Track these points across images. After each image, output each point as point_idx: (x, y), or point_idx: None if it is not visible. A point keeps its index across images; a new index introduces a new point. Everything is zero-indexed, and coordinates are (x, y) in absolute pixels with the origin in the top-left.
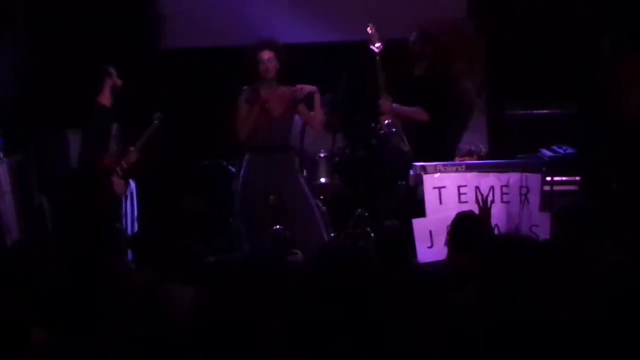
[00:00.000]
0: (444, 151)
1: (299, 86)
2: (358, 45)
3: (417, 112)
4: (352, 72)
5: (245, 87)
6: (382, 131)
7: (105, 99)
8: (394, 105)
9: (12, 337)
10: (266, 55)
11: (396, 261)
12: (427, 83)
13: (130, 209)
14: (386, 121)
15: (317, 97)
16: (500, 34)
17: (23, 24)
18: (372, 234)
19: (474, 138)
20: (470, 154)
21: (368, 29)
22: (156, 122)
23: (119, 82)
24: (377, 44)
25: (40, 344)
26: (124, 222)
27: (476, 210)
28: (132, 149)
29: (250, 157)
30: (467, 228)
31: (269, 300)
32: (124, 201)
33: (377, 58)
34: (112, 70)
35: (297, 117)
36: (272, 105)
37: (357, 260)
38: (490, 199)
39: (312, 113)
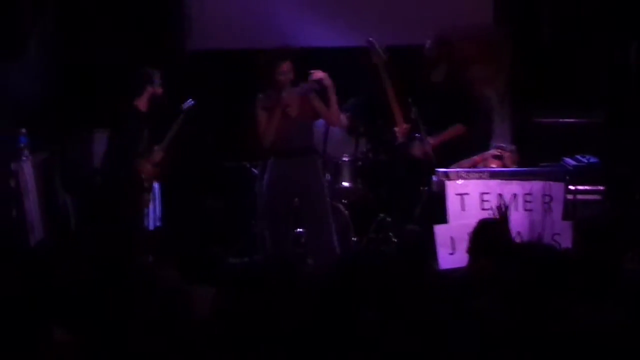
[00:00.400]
0: (468, 157)
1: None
2: (383, 50)
3: (457, 130)
4: (376, 77)
5: (260, 95)
6: (397, 142)
7: (143, 103)
8: (433, 139)
9: (34, 336)
10: (286, 67)
11: (417, 267)
12: (447, 89)
13: (153, 208)
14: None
15: (330, 90)
16: (527, 41)
17: (52, 24)
18: (394, 239)
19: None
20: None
21: (367, 42)
22: (181, 115)
23: (160, 90)
24: (380, 55)
25: (62, 344)
26: (146, 221)
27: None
28: (156, 147)
29: (275, 161)
30: (488, 235)
31: (288, 302)
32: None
33: (383, 70)
34: (156, 79)
35: (319, 121)
36: (292, 107)
37: (378, 265)
38: (512, 205)
39: (328, 108)
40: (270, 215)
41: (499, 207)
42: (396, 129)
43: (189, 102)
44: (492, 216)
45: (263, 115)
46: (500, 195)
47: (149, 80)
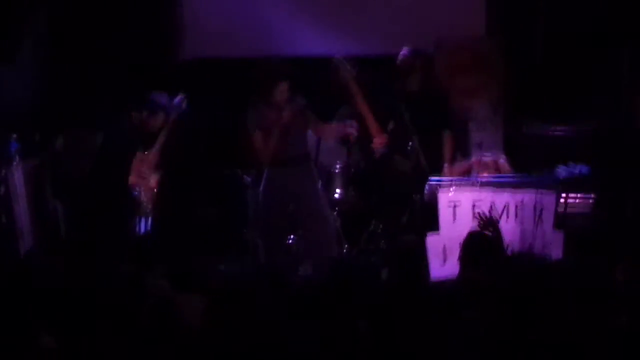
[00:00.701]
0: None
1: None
2: (376, 59)
3: (450, 141)
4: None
5: (251, 110)
6: (378, 155)
7: (138, 117)
8: (448, 166)
9: (21, 342)
10: (285, 86)
11: (409, 277)
12: (423, 98)
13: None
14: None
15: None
16: (519, 51)
17: (45, 29)
18: (386, 249)
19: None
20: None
21: (335, 59)
22: (172, 116)
23: (154, 125)
24: (348, 70)
25: (49, 350)
26: (137, 228)
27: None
28: (146, 152)
29: (271, 170)
30: (479, 245)
31: (277, 311)
32: None
33: (352, 85)
34: (161, 113)
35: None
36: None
37: (369, 275)
38: (503, 215)
39: (324, 125)
40: (265, 223)
41: (481, 217)
42: (374, 141)
43: (179, 98)
44: (476, 226)
45: (258, 134)
46: (492, 204)
47: (148, 108)
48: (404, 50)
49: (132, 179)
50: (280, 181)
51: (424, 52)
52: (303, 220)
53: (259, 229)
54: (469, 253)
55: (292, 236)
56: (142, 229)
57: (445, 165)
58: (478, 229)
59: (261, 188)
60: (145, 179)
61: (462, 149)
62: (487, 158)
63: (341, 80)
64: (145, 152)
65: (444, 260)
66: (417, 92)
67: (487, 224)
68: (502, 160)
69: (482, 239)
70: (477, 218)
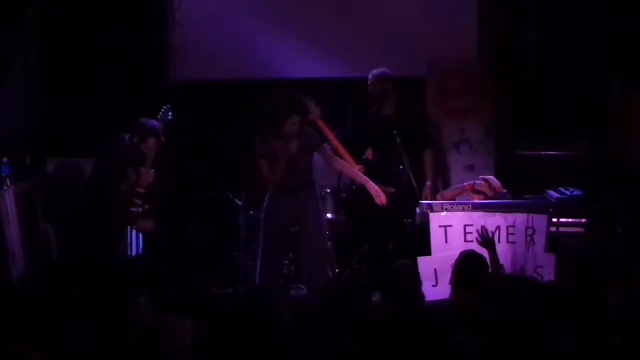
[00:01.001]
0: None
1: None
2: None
3: (431, 160)
4: (360, 108)
5: (258, 139)
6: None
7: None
8: (444, 191)
9: None
10: (297, 119)
11: (402, 300)
12: (399, 122)
13: (136, 238)
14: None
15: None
16: (510, 74)
17: (35, 53)
18: (378, 271)
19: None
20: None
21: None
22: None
23: (146, 149)
24: (312, 110)
25: None
26: (129, 251)
27: (482, 250)
28: (142, 168)
29: (275, 194)
30: (471, 267)
31: (268, 334)
32: (129, 230)
33: (320, 123)
34: (152, 141)
35: None
36: (298, 152)
37: (360, 298)
38: (495, 238)
39: (336, 158)
40: (265, 244)
41: (482, 235)
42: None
43: (164, 109)
44: (478, 249)
45: (265, 164)
46: (483, 227)
47: (139, 133)
48: (372, 75)
49: (127, 196)
50: (285, 205)
51: (392, 75)
52: (302, 243)
53: (254, 251)
54: (461, 275)
55: (287, 258)
56: (134, 250)
57: (428, 183)
58: (478, 244)
59: (264, 208)
60: (141, 196)
61: (442, 171)
62: (480, 180)
63: (309, 120)
64: (141, 169)
65: (436, 282)
66: (391, 117)
67: (486, 242)
68: (493, 178)
69: (475, 261)
70: (478, 232)
